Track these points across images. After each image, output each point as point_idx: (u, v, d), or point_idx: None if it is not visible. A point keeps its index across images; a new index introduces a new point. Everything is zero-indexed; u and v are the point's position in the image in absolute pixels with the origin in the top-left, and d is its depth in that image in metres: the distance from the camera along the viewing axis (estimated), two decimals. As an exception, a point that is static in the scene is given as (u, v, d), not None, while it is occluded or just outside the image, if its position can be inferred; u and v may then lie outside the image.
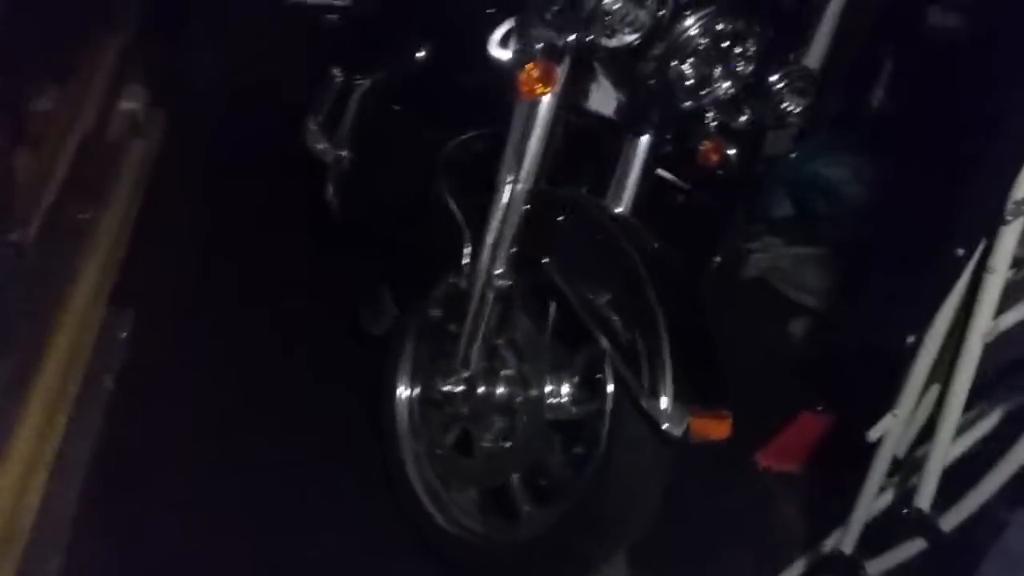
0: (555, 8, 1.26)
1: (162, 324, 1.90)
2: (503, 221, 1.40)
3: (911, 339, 1.21)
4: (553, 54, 1.29)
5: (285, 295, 1.98)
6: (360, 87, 1.58)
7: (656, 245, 1.44)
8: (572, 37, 1.24)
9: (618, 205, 1.51)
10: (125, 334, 1.93)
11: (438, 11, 1.57)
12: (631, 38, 1.23)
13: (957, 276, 1.14)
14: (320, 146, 1.64)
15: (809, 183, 2.18)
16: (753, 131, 1.56)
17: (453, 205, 1.49)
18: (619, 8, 1.19)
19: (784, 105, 1.44)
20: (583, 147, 1.53)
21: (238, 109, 2.50)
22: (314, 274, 2.02)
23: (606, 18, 1.20)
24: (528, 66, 1.26)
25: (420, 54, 1.53)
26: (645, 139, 1.47)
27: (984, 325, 1.13)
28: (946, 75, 2.26)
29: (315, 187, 1.72)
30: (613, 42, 1.23)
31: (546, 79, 1.27)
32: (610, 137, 1.51)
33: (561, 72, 1.32)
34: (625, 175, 1.51)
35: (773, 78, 1.42)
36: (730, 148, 1.53)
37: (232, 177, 2.27)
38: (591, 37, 1.22)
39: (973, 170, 1.13)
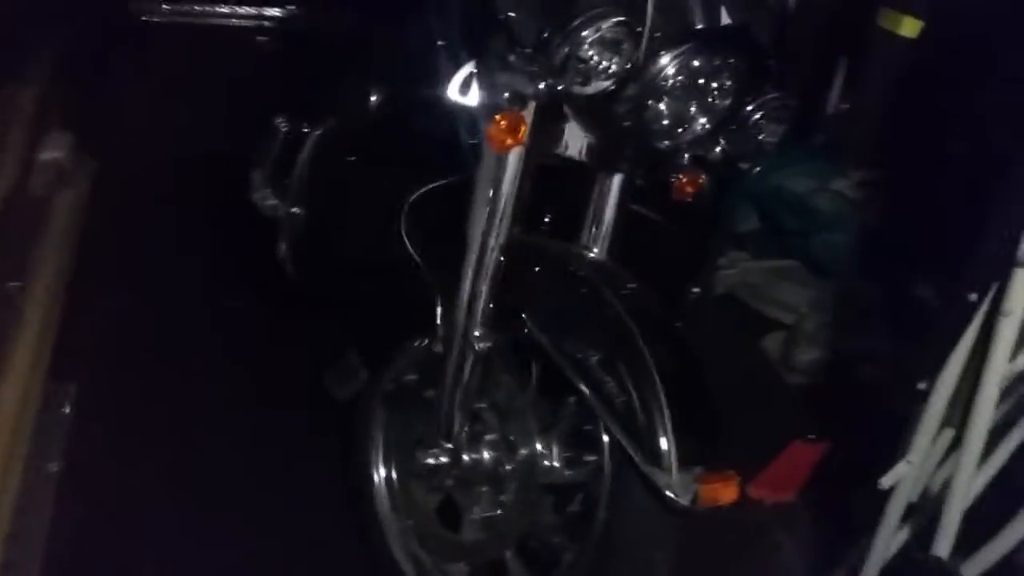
0: (522, 55, 1.17)
1: (107, 397, 1.77)
2: (477, 278, 1.31)
3: (922, 385, 1.14)
4: (522, 103, 1.20)
5: (238, 360, 1.84)
6: (310, 137, 1.46)
7: (638, 291, 1.36)
8: (542, 85, 1.15)
9: (594, 248, 1.43)
10: (68, 409, 1.79)
11: (390, 53, 1.46)
12: (606, 84, 1.15)
13: (968, 320, 1.08)
14: (268, 202, 1.52)
15: (774, 196, 2.12)
16: (728, 161, 1.50)
17: (421, 261, 1.39)
18: (594, 55, 1.11)
19: (760, 136, 1.38)
20: (552, 189, 1.45)
21: (172, 151, 2.35)
22: (271, 335, 1.88)
23: (580, 66, 1.11)
24: (497, 118, 1.16)
25: (374, 99, 1.42)
26: (618, 178, 1.39)
27: (1000, 369, 1.08)
28: (907, 77, 2.23)
29: (264, 240, 1.60)
30: (588, 90, 1.14)
31: (516, 132, 1.18)
32: (580, 177, 1.44)
33: (529, 119, 1.23)
34: (599, 216, 1.43)
35: (749, 108, 1.36)
36: (704, 178, 1.47)
37: (172, 228, 2.13)
38: (563, 86, 1.14)
39: (980, 212, 1.08)
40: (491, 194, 1.27)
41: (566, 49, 1.09)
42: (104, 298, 1.96)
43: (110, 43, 2.58)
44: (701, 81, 1.26)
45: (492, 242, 1.30)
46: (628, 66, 1.14)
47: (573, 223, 1.46)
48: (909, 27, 2.35)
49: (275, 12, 2.66)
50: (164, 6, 2.75)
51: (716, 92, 1.27)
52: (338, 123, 1.45)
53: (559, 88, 1.14)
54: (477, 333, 1.31)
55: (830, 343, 2.11)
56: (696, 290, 1.74)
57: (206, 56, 2.52)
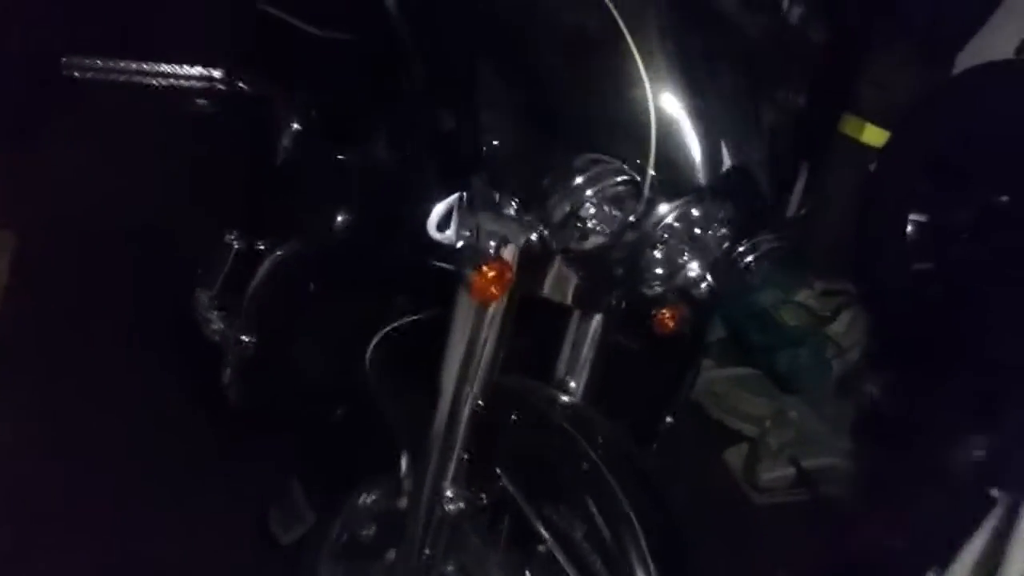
0: (512, 201, 1.07)
1: (29, 537, 1.57)
2: (450, 433, 1.19)
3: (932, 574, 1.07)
4: (509, 251, 1.10)
5: (172, 490, 1.65)
6: (265, 258, 1.32)
7: (617, 440, 1.26)
8: (535, 237, 1.06)
9: (570, 384, 1.34)
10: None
11: (359, 168, 1.35)
12: (604, 239, 1.06)
13: (987, 512, 1.01)
14: (215, 326, 1.37)
15: (741, 309, 2.07)
16: (713, 296, 1.42)
17: (385, 405, 1.26)
18: (595, 214, 1.01)
19: (749, 274, 1.31)
20: (527, 327, 1.35)
21: (102, 228, 2.17)
22: (208, 464, 1.69)
23: (578, 224, 1.02)
24: (483, 269, 1.06)
25: (340, 219, 1.30)
26: (599, 317, 1.31)
27: (1020, 565, 1.00)
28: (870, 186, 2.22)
29: (204, 348, 1.45)
30: (585, 245, 1.05)
31: (501, 282, 1.07)
32: (557, 311, 1.34)
33: (514, 265, 1.13)
34: (577, 354, 1.33)
35: (741, 249, 1.29)
36: (686, 310, 1.39)
37: (97, 320, 1.94)
38: (559, 243, 1.04)
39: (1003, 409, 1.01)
40: (468, 344, 1.16)
41: (566, 208, 0.99)
42: (18, 413, 1.76)
43: (37, 103, 2.40)
44: (698, 229, 1.18)
45: (467, 395, 1.19)
46: (630, 221, 1.05)
47: (545, 356, 1.37)
48: (872, 135, 2.35)
49: (218, 74, 2.53)
50: (97, 62, 2.59)
51: (712, 238, 1.19)
52: (297, 244, 1.32)
53: (554, 244, 1.05)
54: (449, 493, 1.19)
55: (793, 461, 2.05)
56: (670, 420, 1.66)
57: (143, 121, 2.35)
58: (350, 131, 1.54)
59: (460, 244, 1.13)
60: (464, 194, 1.15)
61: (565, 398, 1.33)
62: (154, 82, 2.56)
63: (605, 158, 1.01)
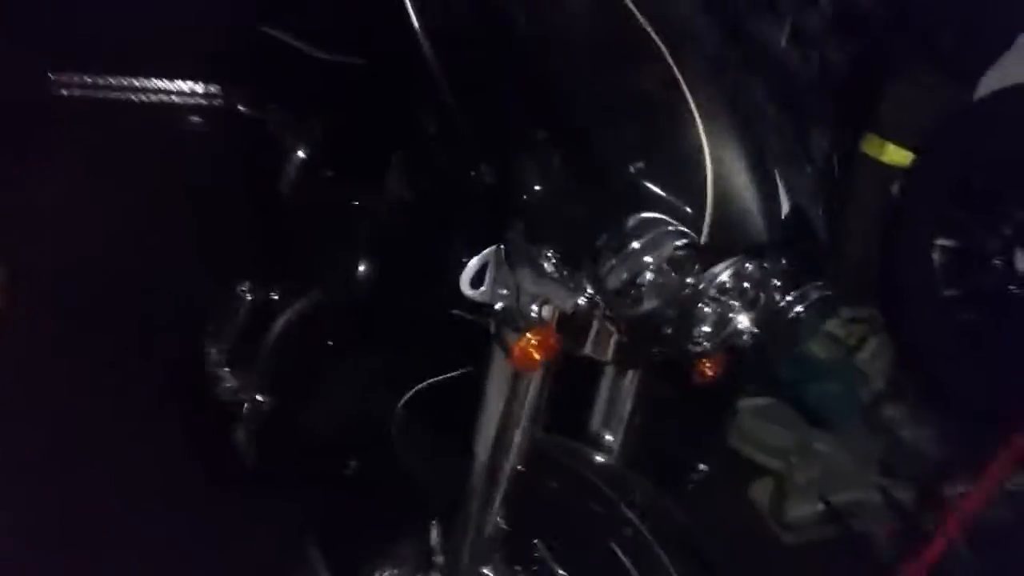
0: (558, 262, 0.99)
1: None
2: (486, 506, 1.11)
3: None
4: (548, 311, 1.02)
5: (179, 557, 1.53)
6: (281, 313, 1.24)
7: (661, 504, 1.19)
8: (583, 301, 0.98)
9: (606, 445, 1.26)
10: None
11: (383, 213, 1.26)
12: (657, 304, 0.98)
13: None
14: (228, 385, 1.28)
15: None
16: (757, 348, 1.35)
17: (413, 469, 1.18)
18: (652, 280, 0.93)
19: (798, 328, 1.24)
20: (557, 377, 1.27)
21: (98, 257, 2.06)
22: (219, 527, 1.55)
23: (633, 291, 0.94)
24: (527, 337, 0.98)
25: (361, 270, 1.21)
26: (638, 372, 1.23)
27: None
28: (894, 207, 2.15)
29: (213, 407, 1.36)
30: (638, 311, 0.97)
31: (545, 351, 0.99)
32: (595, 370, 1.26)
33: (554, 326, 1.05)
34: (613, 410, 1.26)
35: (790, 299, 1.21)
36: (727, 359, 1.32)
37: (94, 357, 1.83)
38: (612, 309, 0.96)
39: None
40: (507, 409, 1.08)
41: (623, 276, 0.91)
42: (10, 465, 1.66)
43: (25, 123, 2.29)
44: (749, 283, 1.11)
45: (505, 462, 1.11)
46: (687, 283, 0.97)
47: (576, 406, 1.29)
48: (894, 155, 2.28)
49: (212, 90, 2.44)
50: (87, 79, 2.49)
51: (765, 291, 1.12)
52: (316, 296, 1.23)
53: (604, 309, 0.97)
54: (486, 570, 1.11)
55: (822, 497, 1.99)
56: (703, 467, 1.58)
57: (138, 148, 2.25)
58: (362, 164, 1.46)
59: (498, 305, 1.05)
60: (500, 248, 1.07)
61: (601, 458, 1.25)
62: (146, 98, 2.48)
63: (661, 217, 0.93)
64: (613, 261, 0.91)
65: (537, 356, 0.99)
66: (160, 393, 1.65)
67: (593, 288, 0.95)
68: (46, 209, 2.13)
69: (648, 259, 0.91)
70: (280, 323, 1.22)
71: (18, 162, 2.24)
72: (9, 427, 1.71)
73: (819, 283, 1.20)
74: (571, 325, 1.07)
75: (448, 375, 1.19)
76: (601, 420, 1.28)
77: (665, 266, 0.92)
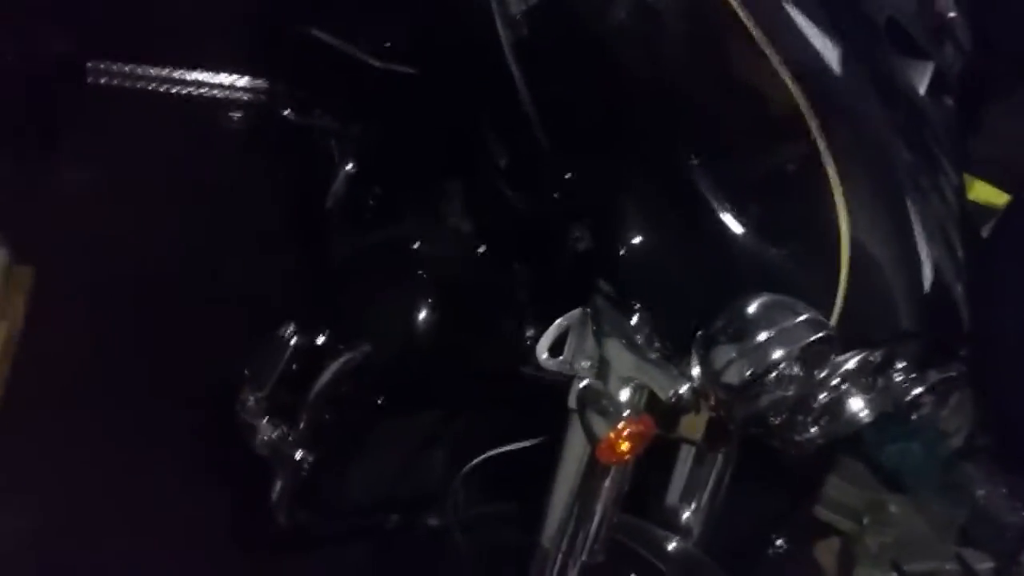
0: (653, 339, 0.84)
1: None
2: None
3: None
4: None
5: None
6: (328, 362, 1.10)
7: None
8: (685, 389, 0.82)
9: (682, 523, 1.13)
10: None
11: (441, 254, 1.12)
12: (777, 400, 0.83)
13: None
14: (265, 437, 1.15)
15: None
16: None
17: (471, 552, 1.05)
18: (777, 376, 0.79)
19: (915, 412, 1.09)
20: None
21: (131, 260, 1.93)
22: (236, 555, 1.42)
23: (754, 389, 0.79)
24: (619, 428, 0.83)
25: (422, 318, 1.07)
26: (725, 455, 1.09)
27: None
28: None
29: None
30: (759, 405, 0.83)
31: (638, 444, 0.85)
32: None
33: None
34: (693, 487, 1.12)
35: (908, 382, 1.06)
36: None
37: (120, 385, 1.69)
38: (730, 409, 0.81)
39: None
40: (580, 499, 0.94)
41: (745, 372, 0.77)
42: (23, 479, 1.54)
43: (60, 118, 2.17)
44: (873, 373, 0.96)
45: (571, 560, 0.97)
46: (819, 376, 0.82)
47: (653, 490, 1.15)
48: (983, 193, 2.10)
49: (257, 84, 2.30)
50: (125, 68, 2.36)
51: (893, 380, 0.97)
52: (367, 347, 1.09)
53: (712, 402, 0.83)
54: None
55: (896, 567, 1.83)
56: (781, 542, 1.44)
57: (176, 146, 2.12)
58: (414, 189, 1.32)
59: (582, 383, 0.90)
60: (585, 312, 0.93)
61: (676, 544, 1.11)
62: (185, 90, 2.35)
63: (791, 303, 0.78)
64: (733, 354, 0.77)
65: (627, 449, 0.85)
66: (189, 437, 1.52)
67: (704, 379, 0.81)
68: (74, 207, 2.02)
69: (778, 355, 0.76)
70: (327, 375, 1.08)
71: (48, 153, 2.13)
72: (36, 433, 1.60)
73: (953, 371, 1.07)
74: (663, 407, 0.93)
75: (514, 446, 1.05)
76: (679, 495, 1.15)
77: (795, 363, 0.78)
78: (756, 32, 0.80)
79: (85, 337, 1.79)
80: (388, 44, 1.33)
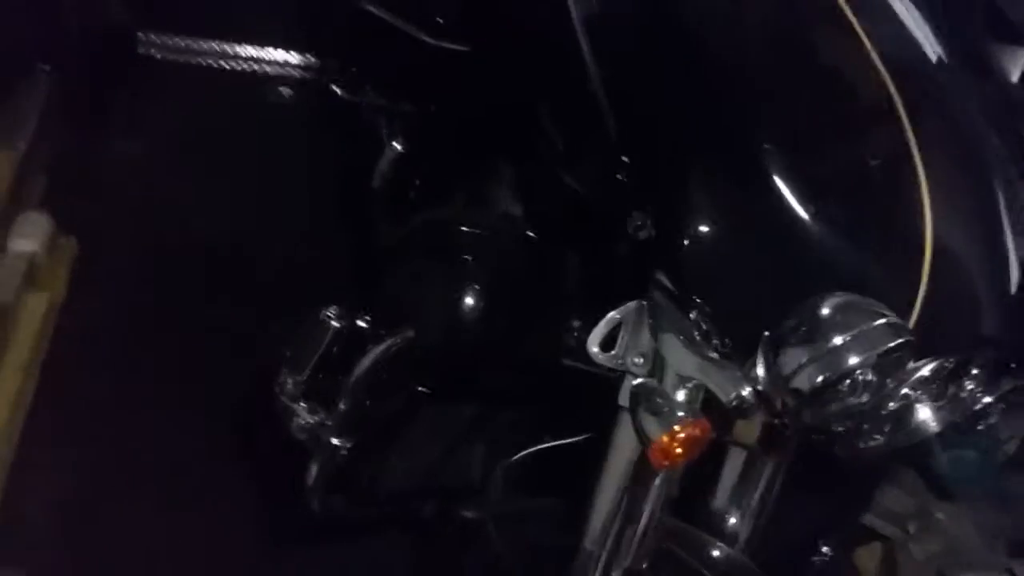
0: (712, 336, 0.79)
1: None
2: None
3: None
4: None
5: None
6: (370, 347, 1.07)
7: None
8: (747, 392, 0.77)
9: (728, 529, 1.08)
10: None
11: (492, 241, 1.08)
12: (852, 404, 0.78)
13: None
14: (302, 422, 1.13)
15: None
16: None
17: (508, 552, 1.01)
18: (851, 384, 0.74)
19: (981, 423, 1.04)
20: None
21: (176, 234, 1.91)
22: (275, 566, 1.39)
23: (826, 395, 0.74)
24: (676, 429, 0.79)
25: (468, 306, 1.02)
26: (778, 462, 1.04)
27: None
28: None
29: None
30: (823, 414, 0.78)
31: (694, 448, 0.80)
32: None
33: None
34: (744, 493, 1.07)
35: (980, 388, 1.00)
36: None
37: (163, 361, 1.67)
38: (790, 411, 0.77)
39: None
40: (627, 502, 0.90)
41: (817, 379, 0.72)
42: (64, 450, 1.54)
43: (109, 87, 2.16)
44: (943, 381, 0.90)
45: (614, 565, 0.93)
46: (893, 387, 0.77)
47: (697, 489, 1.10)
48: None
49: (308, 62, 2.27)
50: (176, 40, 2.34)
51: (966, 389, 0.91)
52: (410, 333, 1.06)
53: (777, 407, 0.78)
54: None
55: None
56: (826, 550, 1.38)
57: (225, 120, 2.10)
58: (465, 172, 1.28)
59: (636, 380, 0.86)
60: (642, 305, 0.88)
61: (721, 551, 1.06)
62: (236, 65, 2.33)
63: (868, 305, 0.73)
64: (805, 358, 0.72)
65: (681, 453, 0.81)
66: (227, 414, 1.50)
67: (769, 383, 0.76)
68: (120, 179, 2.00)
69: (854, 361, 0.71)
70: (368, 360, 1.05)
71: (96, 124, 2.12)
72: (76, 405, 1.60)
73: (1019, 372, 1.00)
74: (720, 409, 0.89)
75: (560, 442, 1.01)
76: (727, 499, 1.10)
77: (871, 370, 0.73)
78: (850, 14, 0.75)
79: (126, 309, 1.78)
80: (441, 20, 1.28)
